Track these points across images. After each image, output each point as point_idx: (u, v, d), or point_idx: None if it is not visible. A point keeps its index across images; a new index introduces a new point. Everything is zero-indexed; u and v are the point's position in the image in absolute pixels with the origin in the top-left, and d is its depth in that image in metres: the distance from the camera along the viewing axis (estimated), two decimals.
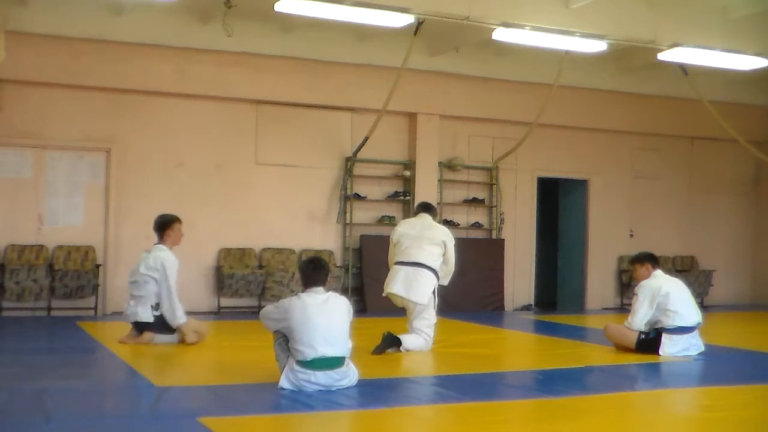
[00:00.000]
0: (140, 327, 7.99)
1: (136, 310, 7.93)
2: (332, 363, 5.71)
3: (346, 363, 5.82)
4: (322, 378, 5.68)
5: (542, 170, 13.74)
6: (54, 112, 10.91)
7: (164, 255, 7.98)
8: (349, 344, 5.88)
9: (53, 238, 10.92)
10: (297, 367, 5.68)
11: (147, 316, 7.91)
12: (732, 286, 15.09)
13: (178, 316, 7.91)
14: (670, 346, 7.84)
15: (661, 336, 7.86)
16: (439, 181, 12.86)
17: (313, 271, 5.90)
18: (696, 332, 8.07)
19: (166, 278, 7.86)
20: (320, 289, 5.87)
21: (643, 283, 8.11)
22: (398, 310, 8.63)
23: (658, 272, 8.22)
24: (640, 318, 7.96)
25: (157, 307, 7.97)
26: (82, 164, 11.13)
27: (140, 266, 8.00)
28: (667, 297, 7.91)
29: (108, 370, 6.94)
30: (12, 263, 10.52)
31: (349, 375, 5.83)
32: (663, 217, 14.62)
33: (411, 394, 6.02)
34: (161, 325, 7.96)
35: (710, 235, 14.99)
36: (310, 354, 5.64)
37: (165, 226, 8.13)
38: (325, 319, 5.72)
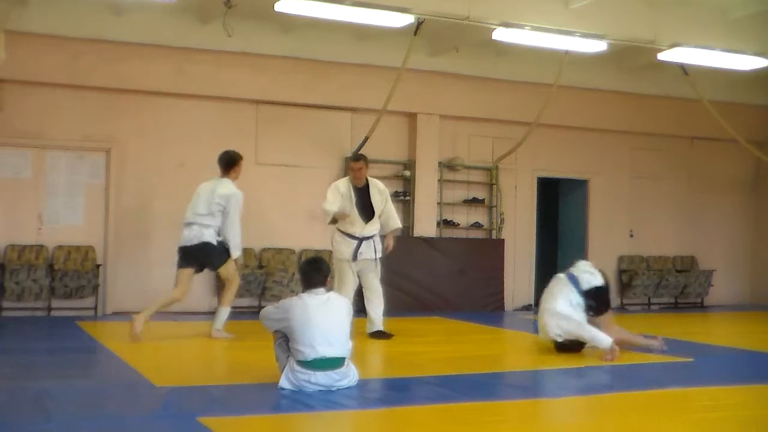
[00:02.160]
0: (198, 253, 8.40)
1: (202, 232, 8.40)
2: (332, 363, 5.71)
3: (346, 363, 5.82)
4: (322, 378, 5.68)
5: (542, 170, 13.75)
6: (54, 112, 10.91)
7: (233, 189, 8.51)
8: (350, 345, 5.88)
9: (53, 238, 10.92)
10: (297, 367, 5.68)
11: (212, 238, 8.42)
12: (732, 286, 15.08)
13: (239, 245, 8.52)
14: None
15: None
16: (439, 181, 12.86)
17: (314, 271, 5.92)
18: None
19: (235, 210, 8.45)
20: (321, 289, 5.87)
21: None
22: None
23: None
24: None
25: (219, 234, 8.51)
26: (82, 164, 11.12)
27: (212, 197, 8.42)
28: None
29: (108, 370, 6.94)
30: (12, 263, 10.52)
31: (349, 375, 5.83)
32: (663, 217, 14.62)
33: (411, 394, 6.02)
34: (220, 252, 8.46)
35: (710, 235, 14.99)
36: (310, 354, 5.64)
37: (232, 162, 8.66)
38: (326, 319, 5.72)
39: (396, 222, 8.95)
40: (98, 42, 10.82)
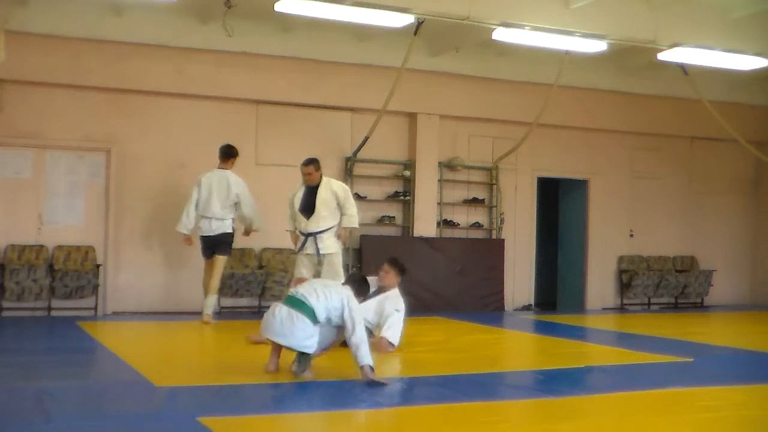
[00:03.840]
0: (218, 240, 9.78)
1: (224, 224, 9.83)
2: (299, 305, 6.19)
3: (311, 321, 6.13)
4: (284, 313, 6.15)
5: (542, 170, 13.74)
6: (54, 112, 10.90)
7: (240, 180, 9.94)
8: (324, 305, 6.19)
9: (53, 238, 10.91)
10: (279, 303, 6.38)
11: (231, 228, 9.92)
12: (732, 286, 15.08)
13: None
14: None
15: None
16: (439, 181, 12.85)
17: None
18: None
19: (249, 196, 10.00)
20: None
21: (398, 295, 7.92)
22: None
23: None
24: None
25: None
26: (82, 164, 11.12)
27: (228, 195, 9.80)
28: None
29: (108, 370, 6.94)
30: (12, 263, 10.51)
31: (307, 337, 6.12)
32: (663, 217, 14.62)
33: (411, 394, 6.02)
34: (232, 240, 9.99)
35: (710, 235, 14.99)
36: (292, 291, 6.43)
37: (231, 155, 10.10)
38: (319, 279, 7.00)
39: (350, 221, 9.09)
40: (98, 42, 10.82)
